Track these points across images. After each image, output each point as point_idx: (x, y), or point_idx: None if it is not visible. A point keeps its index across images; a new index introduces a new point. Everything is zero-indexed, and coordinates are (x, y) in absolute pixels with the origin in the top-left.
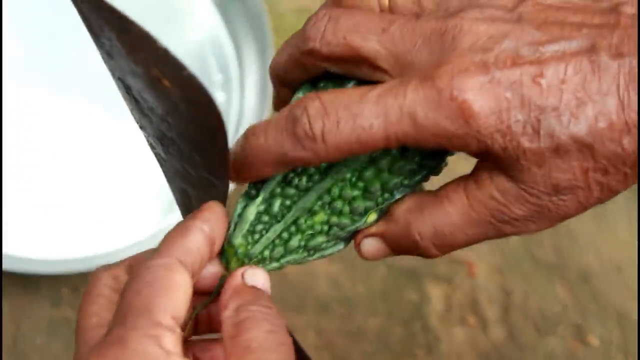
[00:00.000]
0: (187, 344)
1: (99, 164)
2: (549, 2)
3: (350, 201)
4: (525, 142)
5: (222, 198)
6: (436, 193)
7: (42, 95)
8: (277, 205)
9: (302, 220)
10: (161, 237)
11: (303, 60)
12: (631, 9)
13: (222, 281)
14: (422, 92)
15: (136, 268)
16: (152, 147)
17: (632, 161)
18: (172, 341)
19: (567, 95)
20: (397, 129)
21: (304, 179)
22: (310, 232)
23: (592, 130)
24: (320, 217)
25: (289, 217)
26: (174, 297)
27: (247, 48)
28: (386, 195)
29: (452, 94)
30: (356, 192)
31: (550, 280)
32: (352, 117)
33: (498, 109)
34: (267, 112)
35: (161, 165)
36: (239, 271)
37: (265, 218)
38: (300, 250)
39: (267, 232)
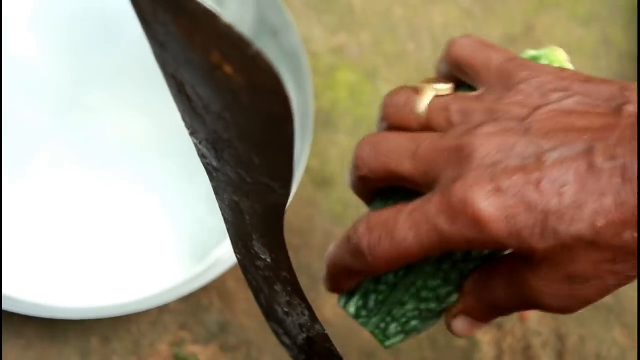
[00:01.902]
0: None
1: (129, 209)
2: (561, 107)
3: (434, 289)
4: (534, 243)
5: (281, 208)
6: (493, 266)
7: (65, 146)
8: (372, 301)
9: (395, 311)
10: (192, 284)
11: (361, 187)
12: (633, 108)
13: None
14: (442, 206)
15: None
16: (203, 157)
17: (636, 252)
18: None
19: (567, 198)
20: (427, 241)
21: (391, 275)
22: (404, 319)
23: (593, 229)
24: (411, 305)
25: (384, 311)
26: None
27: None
28: (465, 278)
29: (466, 206)
30: (438, 282)
31: (607, 324)
32: (390, 233)
33: (506, 216)
34: (306, 152)
35: (211, 178)
36: None
37: (363, 312)
38: (400, 335)
39: (366, 325)
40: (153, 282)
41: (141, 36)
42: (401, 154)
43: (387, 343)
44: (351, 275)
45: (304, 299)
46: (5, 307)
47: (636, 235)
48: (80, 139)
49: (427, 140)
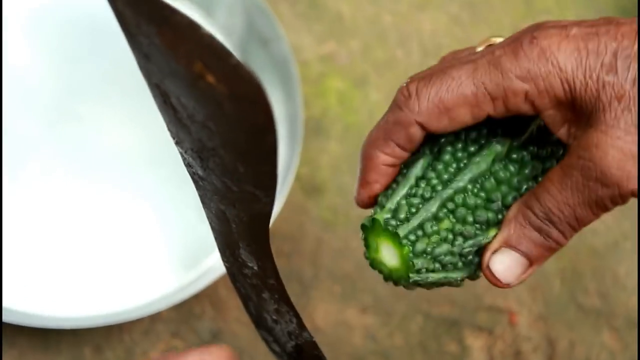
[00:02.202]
0: None
1: (120, 217)
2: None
3: (474, 210)
4: (604, 76)
5: (267, 216)
6: (535, 187)
7: (63, 155)
8: (403, 211)
9: (428, 225)
10: (184, 292)
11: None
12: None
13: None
14: (507, 47)
15: None
16: (189, 166)
17: None
18: None
19: None
20: (484, 78)
21: (428, 189)
22: (436, 237)
23: None
24: (446, 223)
25: (416, 220)
26: None
27: (274, 96)
28: (505, 211)
29: (533, 39)
30: (479, 201)
31: (596, 328)
32: (444, 72)
33: (577, 49)
34: (296, 160)
35: (198, 187)
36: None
37: (393, 222)
38: (427, 257)
39: (397, 228)
40: (145, 291)
41: None
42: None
43: (412, 273)
44: (386, 141)
45: (291, 306)
46: None
47: None
48: (72, 147)
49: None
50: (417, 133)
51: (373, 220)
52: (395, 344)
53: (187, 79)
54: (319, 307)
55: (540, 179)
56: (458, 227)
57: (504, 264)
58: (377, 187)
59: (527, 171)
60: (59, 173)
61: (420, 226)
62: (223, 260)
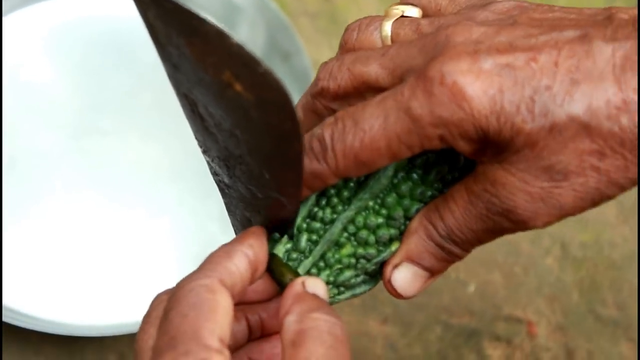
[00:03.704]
0: (240, 349)
1: (143, 229)
2: (544, 15)
3: (375, 230)
4: (519, 122)
5: (290, 223)
6: (444, 196)
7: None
8: (303, 240)
9: (329, 255)
10: None
11: (316, 104)
12: (625, 15)
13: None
14: (416, 86)
15: (178, 288)
16: (215, 175)
17: (630, 142)
18: None
19: (561, 76)
20: (396, 127)
21: (328, 210)
22: (338, 266)
23: (589, 108)
24: (347, 249)
25: (317, 252)
26: (219, 319)
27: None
28: (408, 223)
29: (443, 79)
30: (380, 220)
31: (614, 338)
32: (355, 122)
33: (490, 91)
34: None
35: (223, 195)
36: (299, 279)
37: (294, 255)
38: (330, 287)
39: (297, 268)
40: None
41: (154, 61)
42: (369, 58)
43: None
44: (305, 185)
45: None
46: (24, 325)
47: (634, 121)
48: (94, 161)
49: (396, 44)
50: (334, 181)
51: (272, 255)
52: (415, 354)
53: (215, 88)
54: (336, 307)
55: (448, 177)
56: (360, 250)
57: (406, 278)
58: None
59: (431, 177)
60: (83, 187)
61: (322, 257)
62: None
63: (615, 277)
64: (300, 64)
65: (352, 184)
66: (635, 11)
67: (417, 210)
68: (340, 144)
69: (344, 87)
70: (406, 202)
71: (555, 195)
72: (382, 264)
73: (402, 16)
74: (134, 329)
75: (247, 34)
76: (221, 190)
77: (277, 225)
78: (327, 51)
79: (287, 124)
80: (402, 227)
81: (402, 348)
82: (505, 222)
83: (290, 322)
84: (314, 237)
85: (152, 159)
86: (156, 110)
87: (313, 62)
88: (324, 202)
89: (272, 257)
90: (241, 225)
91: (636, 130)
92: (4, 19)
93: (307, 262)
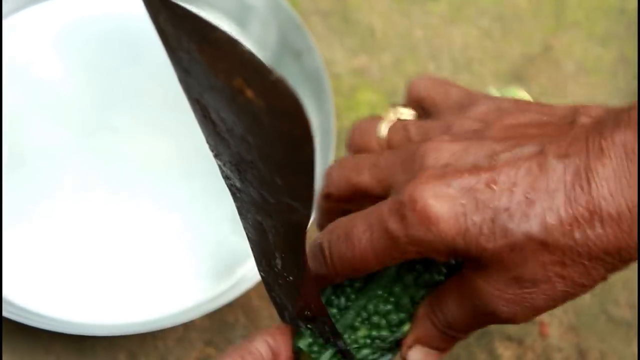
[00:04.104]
0: None
1: (155, 228)
2: (517, 121)
3: (386, 315)
4: (483, 242)
5: (303, 227)
6: (443, 287)
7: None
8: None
9: (346, 336)
10: (217, 301)
11: (327, 205)
12: (586, 119)
13: None
14: (393, 205)
15: None
16: (227, 178)
17: (587, 253)
18: None
19: (517, 196)
20: (379, 243)
21: (342, 299)
22: (355, 346)
23: (543, 226)
24: (362, 332)
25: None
26: None
27: (307, 110)
28: (416, 306)
29: (414, 204)
30: (389, 307)
31: (627, 339)
32: (347, 233)
33: (455, 214)
34: None
35: (235, 199)
36: None
37: (315, 348)
38: None
39: (319, 356)
40: (179, 300)
41: (165, 59)
42: (362, 168)
43: None
44: (319, 283)
45: (326, 315)
46: (34, 323)
47: (586, 235)
48: (105, 160)
49: (386, 153)
50: (339, 281)
51: (299, 348)
52: None
53: (226, 94)
54: None
55: (452, 262)
56: (374, 332)
57: (420, 357)
58: None
59: (434, 263)
60: (94, 185)
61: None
62: (259, 270)
63: (629, 277)
64: (312, 63)
65: (363, 278)
66: (599, 111)
67: (423, 297)
68: (336, 254)
69: (344, 195)
70: (412, 290)
71: (529, 300)
72: (396, 341)
73: (399, 119)
74: (145, 328)
75: (259, 33)
76: (233, 194)
77: (290, 232)
78: (339, 50)
79: (298, 130)
80: (412, 309)
81: None
82: (492, 319)
83: None
84: (332, 321)
85: (162, 156)
86: (167, 107)
87: (325, 60)
88: (339, 292)
89: (299, 351)
90: (253, 228)
91: (590, 242)
92: (14, 16)
93: (327, 352)
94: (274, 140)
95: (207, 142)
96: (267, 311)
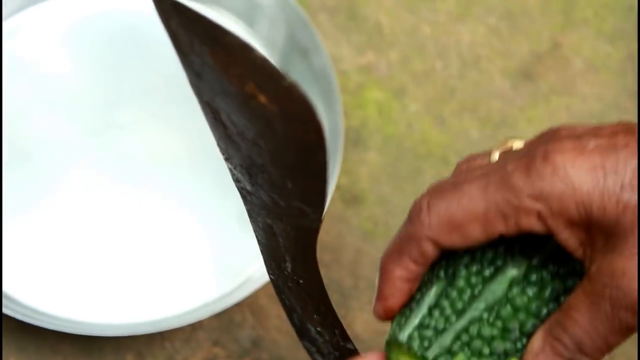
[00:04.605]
0: None
1: (162, 226)
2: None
3: (490, 341)
4: (625, 199)
5: (314, 231)
6: (561, 309)
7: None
8: (416, 345)
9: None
10: (225, 301)
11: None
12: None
13: None
14: (519, 162)
15: None
16: (237, 181)
17: None
18: None
19: None
20: (495, 196)
21: (442, 320)
22: None
23: None
24: (460, 358)
25: (429, 354)
26: None
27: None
28: (524, 340)
29: (546, 156)
30: (495, 332)
31: (635, 339)
32: (455, 186)
33: (593, 168)
34: (336, 170)
35: (245, 202)
36: None
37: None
38: None
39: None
40: (186, 299)
41: (174, 56)
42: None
43: None
44: (399, 254)
45: (336, 318)
46: (42, 324)
47: None
48: (113, 156)
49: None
50: (429, 248)
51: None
52: None
53: (238, 98)
54: (359, 317)
55: (562, 298)
56: (474, 359)
57: None
58: (392, 302)
59: (547, 293)
60: (101, 181)
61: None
62: (269, 273)
63: None
64: (319, 61)
65: (466, 297)
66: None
67: (533, 326)
68: (436, 205)
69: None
70: (522, 316)
71: None
72: None
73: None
74: (152, 328)
75: (268, 31)
76: (243, 197)
77: (301, 235)
78: (346, 47)
79: (311, 136)
80: (518, 343)
81: None
82: (632, 317)
83: None
84: (426, 343)
85: (171, 153)
86: (175, 104)
87: (332, 58)
88: (437, 314)
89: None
90: (263, 231)
91: None
92: (22, 13)
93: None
94: (286, 144)
95: (218, 145)
96: (275, 311)
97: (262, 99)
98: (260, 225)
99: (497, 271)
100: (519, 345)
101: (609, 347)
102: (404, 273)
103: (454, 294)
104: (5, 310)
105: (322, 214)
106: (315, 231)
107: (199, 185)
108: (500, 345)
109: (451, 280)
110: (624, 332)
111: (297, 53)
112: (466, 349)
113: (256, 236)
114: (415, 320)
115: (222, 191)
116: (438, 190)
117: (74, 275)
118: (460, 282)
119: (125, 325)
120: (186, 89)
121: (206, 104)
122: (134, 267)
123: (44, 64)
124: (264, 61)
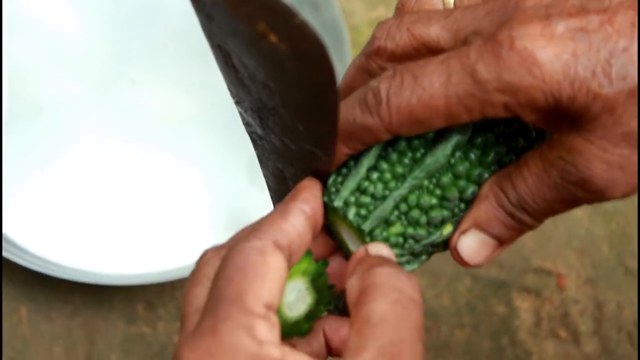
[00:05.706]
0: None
1: (172, 180)
2: None
3: (428, 210)
4: (596, 87)
5: (324, 174)
6: (517, 162)
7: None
8: (352, 214)
9: (377, 231)
10: None
11: (370, 64)
12: None
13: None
14: (483, 49)
15: (229, 250)
16: (248, 125)
17: None
18: (265, 329)
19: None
20: (458, 89)
21: (380, 186)
22: (385, 243)
23: None
24: (397, 228)
25: (366, 227)
26: (267, 283)
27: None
28: (462, 205)
29: (513, 43)
30: (434, 200)
31: None
32: (415, 78)
33: (564, 56)
34: None
35: (256, 146)
36: (362, 247)
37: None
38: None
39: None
40: (196, 250)
41: (184, 12)
42: (430, 19)
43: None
44: (351, 137)
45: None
46: (53, 273)
47: None
48: (123, 112)
49: (461, 7)
50: (386, 137)
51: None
52: (444, 305)
53: (249, 39)
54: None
55: (505, 159)
56: (410, 230)
57: (473, 245)
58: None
59: (490, 158)
60: (112, 135)
61: (370, 233)
62: None
63: None
64: (330, 15)
65: (407, 160)
66: None
67: (473, 194)
68: (396, 98)
69: (402, 48)
70: (462, 183)
71: (634, 163)
72: (430, 246)
73: None
74: (162, 278)
75: None
76: (253, 141)
77: (312, 174)
78: (357, 2)
79: (322, 76)
80: (456, 209)
81: (431, 299)
82: (580, 192)
83: (352, 284)
84: (363, 211)
85: (181, 109)
86: (185, 60)
87: (343, 12)
88: (375, 177)
89: (326, 207)
90: (273, 176)
91: None
92: None
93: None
94: (296, 85)
95: (229, 89)
96: None
97: (273, 38)
98: (271, 170)
99: (442, 135)
100: (456, 210)
101: (552, 212)
102: (349, 152)
103: (394, 156)
104: (17, 260)
105: (332, 157)
106: (326, 173)
107: (209, 140)
108: (438, 215)
109: (392, 142)
110: (570, 203)
111: (309, 7)
112: (403, 218)
113: (266, 181)
114: (351, 183)
115: (231, 146)
116: (398, 77)
117: (85, 226)
118: (402, 144)
119: (135, 275)
120: (196, 43)
121: (217, 47)
122: (145, 218)
123: (51, 19)
124: (274, 0)
